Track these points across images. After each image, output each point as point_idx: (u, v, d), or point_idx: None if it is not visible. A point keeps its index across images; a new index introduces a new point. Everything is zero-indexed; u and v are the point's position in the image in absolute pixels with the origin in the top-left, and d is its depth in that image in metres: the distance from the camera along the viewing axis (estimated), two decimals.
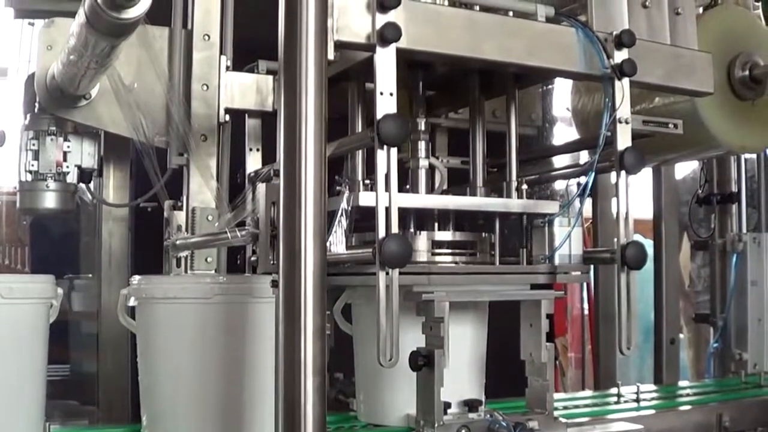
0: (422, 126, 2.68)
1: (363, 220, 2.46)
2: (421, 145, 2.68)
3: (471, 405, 2.42)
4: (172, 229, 2.92)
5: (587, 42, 2.47)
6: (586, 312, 6.36)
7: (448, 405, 2.31)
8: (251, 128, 3.07)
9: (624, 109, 2.49)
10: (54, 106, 3.00)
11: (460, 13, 2.35)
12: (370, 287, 2.13)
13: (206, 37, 3.00)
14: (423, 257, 2.53)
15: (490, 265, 2.60)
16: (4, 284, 2.51)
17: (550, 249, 2.54)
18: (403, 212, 2.37)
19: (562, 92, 4.34)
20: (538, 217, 2.59)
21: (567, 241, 2.53)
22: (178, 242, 2.84)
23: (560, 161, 2.96)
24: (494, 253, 2.63)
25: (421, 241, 2.54)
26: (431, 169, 2.74)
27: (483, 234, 2.64)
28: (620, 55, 2.48)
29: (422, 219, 2.60)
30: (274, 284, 1.87)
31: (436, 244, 2.56)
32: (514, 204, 2.61)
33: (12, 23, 5.79)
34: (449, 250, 2.57)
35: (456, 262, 2.57)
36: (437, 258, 2.56)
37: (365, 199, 2.26)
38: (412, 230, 2.56)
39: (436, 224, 2.62)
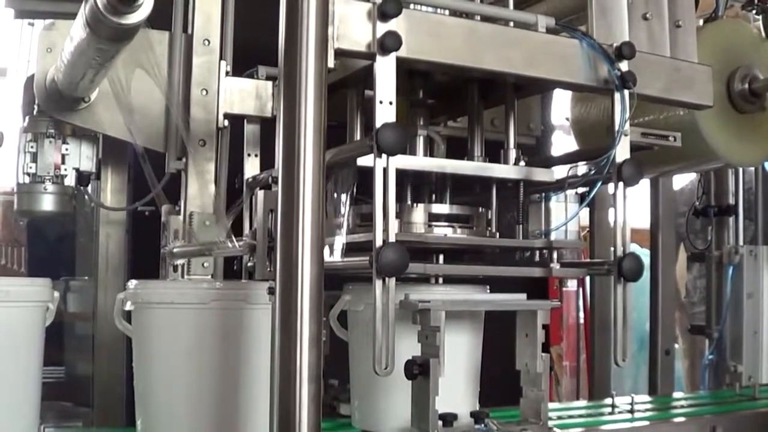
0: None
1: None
2: (420, 153, 2.69)
3: (477, 417, 2.43)
4: (169, 233, 2.92)
5: (588, 53, 2.47)
6: (582, 321, 6.37)
7: (454, 416, 2.32)
8: (250, 134, 3.06)
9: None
10: (53, 108, 2.99)
11: (461, 23, 2.35)
12: (367, 294, 2.13)
13: (206, 42, 3.00)
14: (420, 229, 2.54)
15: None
16: (1, 287, 2.51)
17: (546, 225, 2.55)
18: (401, 180, 2.35)
19: (561, 102, 4.35)
20: (534, 185, 2.59)
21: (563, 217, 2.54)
22: (175, 250, 2.84)
23: (557, 170, 2.96)
24: (491, 229, 2.63)
25: (418, 214, 2.54)
26: None
27: (480, 209, 2.65)
28: (620, 67, 2.49)
29: (419, 193, 2.62)
30: (271, 291, 1.87)
31: (432, 217, 2.57)
32: (510, 170, 2.62)
33: (12, 23, 5.80)
34: (446, 223, 2.58)
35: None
36: (435, 231, 2.57)
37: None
38: (409, 202, 2.58)
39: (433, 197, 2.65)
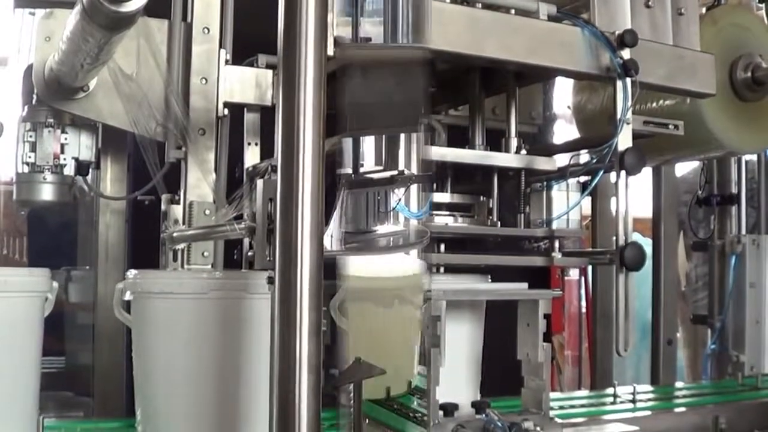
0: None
1: None
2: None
3: (479, 407, 2.41)
4: (169, 222, 2.91)
5: (590, 41, 2.45)
6: (584, 310, 6.35)
7: (455, 406, 2.30)
8: (250, 122, 3.05)
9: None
10: (52, 97, 2.98)
11: (462, 11, 2.34)
12: None
13: (206, 31, 2.98)
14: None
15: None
16: (0, 277, 2.50)
17: (548, 213, 2.54)
18: None
19: (563, 90, 4.33)
20: (535, 174, 2.58)
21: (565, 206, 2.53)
22: (174, 234, 2.83)
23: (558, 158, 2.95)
24: (492, 218, 2.62)
25: None
26: None
27: (481, 198, 2.63)
28: (622, 55, 2.47)
29: None
30: (270, 281, 1.86)
31: (433, 206, 2.55)
32: (512, 159, 2.60)
33: (12, 13, 5.78)
34: (447, 212, 2.57)
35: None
36: (435, 220, 2.56)
37: None
38: None
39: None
